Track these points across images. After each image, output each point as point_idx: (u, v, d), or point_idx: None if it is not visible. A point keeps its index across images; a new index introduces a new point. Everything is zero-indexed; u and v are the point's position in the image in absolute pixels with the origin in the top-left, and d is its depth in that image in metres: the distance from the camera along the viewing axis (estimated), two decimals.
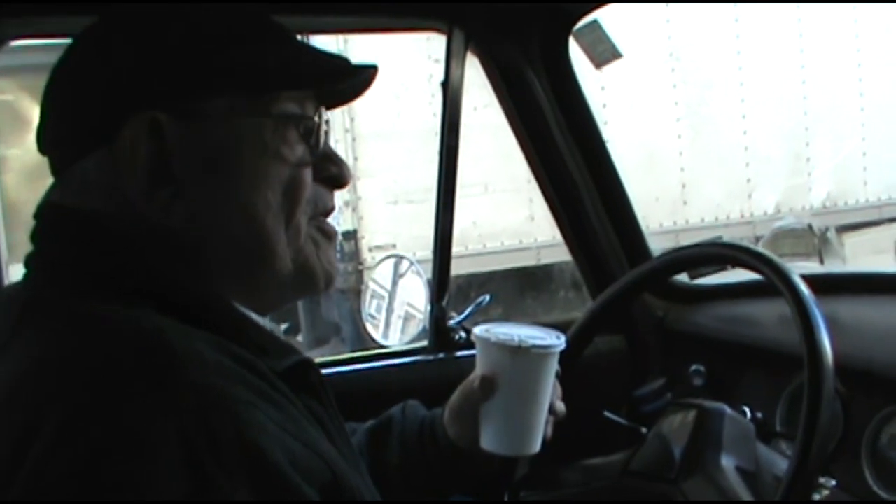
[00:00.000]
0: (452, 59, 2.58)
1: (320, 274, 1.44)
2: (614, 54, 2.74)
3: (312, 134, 1.42)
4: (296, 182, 1.39)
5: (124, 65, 1.32)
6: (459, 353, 2.67)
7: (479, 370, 1.83)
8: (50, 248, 1.34)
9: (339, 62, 1.47)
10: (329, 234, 1.47)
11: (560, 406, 1.93)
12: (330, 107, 1.48)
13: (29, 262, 1.35)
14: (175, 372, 1.11)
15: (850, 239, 10.60)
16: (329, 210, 1.48)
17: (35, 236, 1.35)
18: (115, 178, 1.30)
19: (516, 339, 1.77)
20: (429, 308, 2.73)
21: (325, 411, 1.37)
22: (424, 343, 2.76)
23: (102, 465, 1.04)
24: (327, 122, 1.47)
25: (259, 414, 1.13)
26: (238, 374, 1.17)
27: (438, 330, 2.70)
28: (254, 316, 1.40)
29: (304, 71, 1.43)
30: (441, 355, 2.70)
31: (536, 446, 1.82)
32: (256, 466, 1.09)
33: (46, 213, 1.36)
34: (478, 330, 1.83)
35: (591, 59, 2.74)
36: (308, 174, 1.41)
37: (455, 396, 1.92)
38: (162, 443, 1.05)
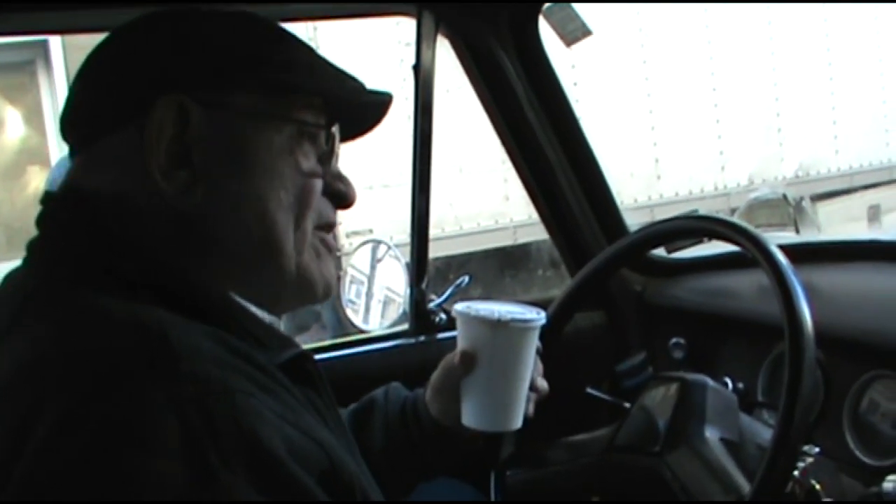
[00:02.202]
0: (423, 43, 2.59)
1: (319, 283, 1.47)
2: (584, 32, 2.74)
3: (326, 152, 1.47)
4: (307, 188, 1.42)
5: (161, 50, 1.38)
6: (440, 336, 2.69)
7: (460, 346, 1.84)
8: (56, 235, 1.36)
9: (356, 81, 1.51)
10: (331, 247, 1.51)
11: (542, 383, 1.94)
12: (345, 139, 1.55)
13: (32, 247, 1.37)
14: (173, 363, 1.12)
15: (824, 207, 10.65)
16: (331, 224, 1.51)
17: (42, 221, 1.38)
18: (139, 154, 1.33)
19: (496, 314, 1.78)
20: (408, 291, 2.73)
21: (323, 401, 1.38)
22: (405, 326, 2.77)
23: (102, 456, 1.05)
24: (337, 141, 1.51)
25: (256, 403, 1.14)
26: (236, 364, 1.18)
27: (419, 313, 2.71)
28: (253, 308, 1.41)
29: (326, 79, 1.47)
30: (422, 338, 2.72)
31: (518, 422, 1.83)
32: (255, 454, 1.09)
33: (61, 197, 1.39)
34: (459, 306, 1.84)
35: (562, 37, 2.74)
36: (318, 185, 1.45)
37: (437, 373, 1.93)
38: (161, 432, 1.06)
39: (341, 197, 1.51)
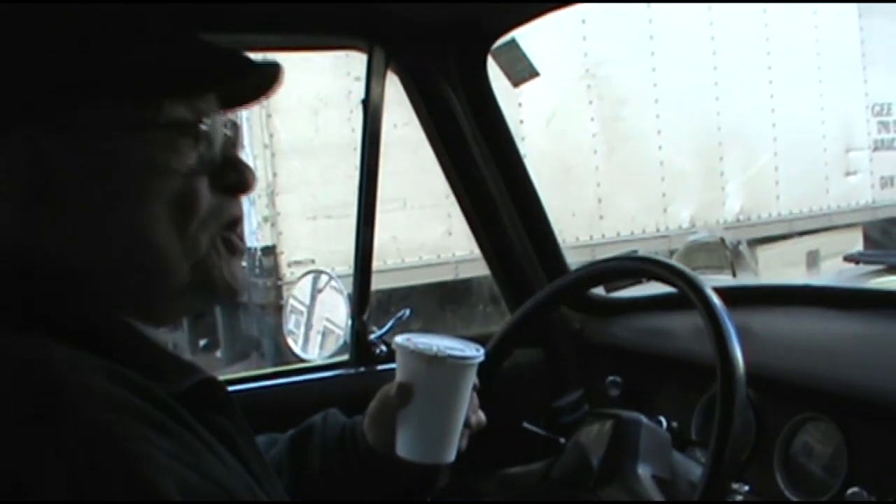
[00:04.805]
0: (373, 78, 2.60)
1: (220, 285, 1.35)
2: (531, 73, 2.78)
3: (205, 141, 1.32)
4: (188, 193, 1.30)
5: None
6: (380, 367, 2.68)
7: (397, 378, 1.85)
8: None
9: (235, 61, 1.36)
10: (234, 248, 1.38)
11: (480, 416, 1.95)
12: (230, 107, 1.39)
13: None
14: (64, 409, 1.07)
15: (763, 252, 10.74)
16: (235, 219, 1.38)
17: None
18: None
19: (434, 348, 1.80)
20: (350, 322, 2.74)
21: (234, 426, 1.33)
22: (346, 357, 2.77)
23: None
24: (229, 124, 1.38)
25: (151, 448, 1.09)
26: (131, 404, 1.12)
27: (360, 343, 2.71)
28: (150, 333, 1.33)
29: (192, 73, 1.32)
30: (362, 369, 2.71)
31: (450, 456, 1.85)
32: (149, 503, 1.06)
33: None
34: (399, 338, 1.86)
35: (509, 77, 2.78)
36: (202, 184, 1.31)
37: (374, 402, 1.94)
38: (49, 485, 1.03)
39: (235, 186, 1.37)
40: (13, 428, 1.06)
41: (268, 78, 1.37)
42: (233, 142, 1.39)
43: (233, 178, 1.36)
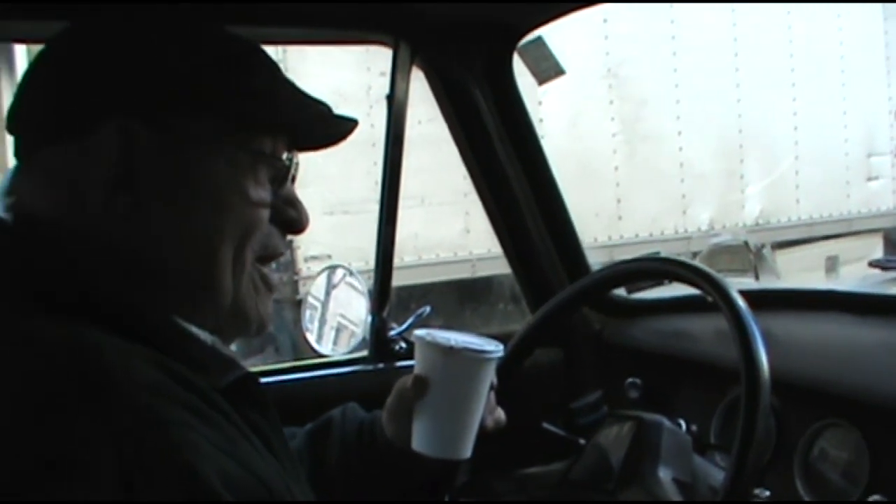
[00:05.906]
0: (398, 73, 2.60)
1: (254, 319, 1.44)
2: (557, 71, 2.77)
3: (280, 177, 1.43)
4: (253, 221, 1.39)
5: (113, 66, 1.32)
6: (399, 364, 2.68)
7: (415, 370, 1.86)
8: None
9: (321, 108, 1.47)
10: (270, 285, 1.47)
11: (495, 417, 1.95)
12: (299, 150, 1.49)
13: None
14: (110, 393, 1.10)
15: (782, 256, 10.71)
16: (278, 254, 1.47)
17: None
18: (78, 175, 1.30)
19: (451, 341, 1.80)
20: (369, 318, 2.74)
21: (268, 423, 1.37)
22: (365, 353, 2.77)
23: (36, 487, 1.04)
24: (297, 165, 1.47)
25: (193, 434, 1.12)
26: (174, 392, 1.16)
27: (379, 340, 2.71)
28: (195, 330, 1.38)
29: (288, 109, 1.45)
30: (381, 365, 2.72)
31: (465, 452, 1.84)
32: (190, 488, 1.08)
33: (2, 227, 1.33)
34: (419, 332, 1.86)
35: (535, 75, 2.77)
36: (266, 215, 1.41)
37: (391, 395, 1.94)
38: (97, 465, 1.05)
39: (291, 223, 1.47)
40: (61, 409, 1.08)
41: (343, 130, 1.52)
42: (294, 179, 1.48)
43: (291, 215, 1.47)
